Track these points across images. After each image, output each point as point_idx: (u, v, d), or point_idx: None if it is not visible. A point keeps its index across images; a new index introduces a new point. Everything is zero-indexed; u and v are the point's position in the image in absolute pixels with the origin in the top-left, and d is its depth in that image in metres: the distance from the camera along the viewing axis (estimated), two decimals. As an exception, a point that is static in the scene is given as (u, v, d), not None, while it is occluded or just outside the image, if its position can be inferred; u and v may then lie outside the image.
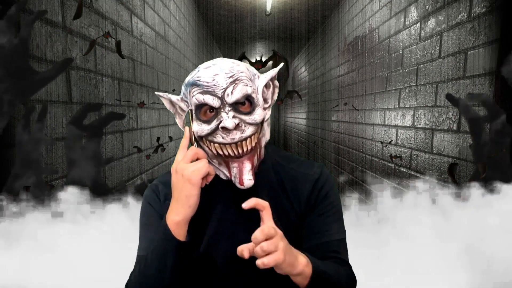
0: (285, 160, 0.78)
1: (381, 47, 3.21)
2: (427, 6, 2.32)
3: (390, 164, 2.95)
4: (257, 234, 0.57)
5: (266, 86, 0.74)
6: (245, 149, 0.67)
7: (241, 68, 0.68)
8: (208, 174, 0.65)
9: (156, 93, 0.77)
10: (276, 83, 0.76)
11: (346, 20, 4.48)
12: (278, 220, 0.70)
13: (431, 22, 2.27)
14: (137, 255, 0.71)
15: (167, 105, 0.74)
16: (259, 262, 0.56)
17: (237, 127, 0.65)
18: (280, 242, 0.57)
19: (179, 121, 0.75)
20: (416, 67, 2.48)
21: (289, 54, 9.24)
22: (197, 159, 0.65)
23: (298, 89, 9.18)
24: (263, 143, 0.72)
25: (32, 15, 1.31)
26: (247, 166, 0.67)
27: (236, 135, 0.65)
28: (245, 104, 0.67)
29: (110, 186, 2.01)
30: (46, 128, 1.47)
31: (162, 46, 3.24)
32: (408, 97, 2.60)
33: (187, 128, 0.68)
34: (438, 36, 2.18)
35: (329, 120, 5.34)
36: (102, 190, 1.82)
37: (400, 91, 2.74)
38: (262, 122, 0.69)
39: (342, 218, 0.76)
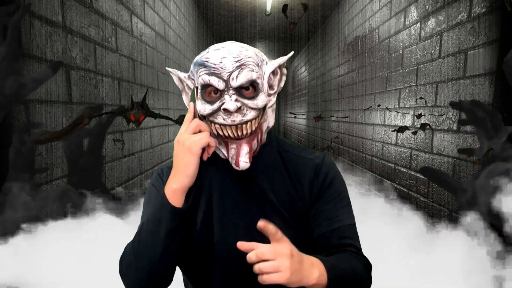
0: (288, 147, 0.80)
1: (381, 47, 3.21)
2: (427, 6, 2.32)
3: (390, 164, 2.95)
4: (251, 255, 0.56)
5: (274, 72, 0.75)
6: (244, 132, 0.68)
7: (250, 53, 0.68)
8: (208, 146, 0.67)
9: (166, 68, 0.79)
10: (284, 70, 0.77)
11: (346, 20, 4.48)
12: (281, 203, 0.71)
13: (431, 22, 2.27)
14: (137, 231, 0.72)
15: (176, 81, 0.76)
16: (259, 279, 0.55)
17: (238, 110, 0.66)
18: (285, 262, 0.55)
19: (185, 98, 0.76)
20: (416, 67, 2.48)
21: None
22: (200, 131, 0.67)
23: (298, 89, 9.18)
24: (264, 128, 0.73)
25: (18, 12, 1.29)
26: (245, 149, 0.69)
27: (237, 118, 0.66)
28: (249, 89, 0.68)
29: (109, 187, 2.01)
30: (46, 128, 1.47)
31: (162, 46, 3.24)
32: (408, 97, 2.60)
33: (191, 103, 0.70)
34: (438, 36, 2.18)
35: (329, 120, 5.34)
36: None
37: (400, 91, 2.74)
38: (264, 108, 0.70)
39: (350, 204, 0.76)
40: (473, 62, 1.84)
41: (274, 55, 9.34)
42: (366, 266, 0.70)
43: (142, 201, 1.93)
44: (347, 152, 4.33)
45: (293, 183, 0.74)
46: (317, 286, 0.60)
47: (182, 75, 0.74)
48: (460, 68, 1.96)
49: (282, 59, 0.74)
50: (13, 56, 1.26)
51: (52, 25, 1.49)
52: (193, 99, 0.70)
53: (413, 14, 2.54)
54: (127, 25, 2.33)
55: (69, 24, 1.61)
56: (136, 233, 0.68)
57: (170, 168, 0.73)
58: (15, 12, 1.26)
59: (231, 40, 0.75)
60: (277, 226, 0.65)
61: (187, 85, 0.75)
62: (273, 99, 0.73)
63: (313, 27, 6.23)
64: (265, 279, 0.56)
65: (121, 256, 0.68)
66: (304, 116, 8.09)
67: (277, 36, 6.97)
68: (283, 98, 13.02)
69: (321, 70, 6.10)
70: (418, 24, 2.46)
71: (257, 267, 0.56)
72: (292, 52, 0.79)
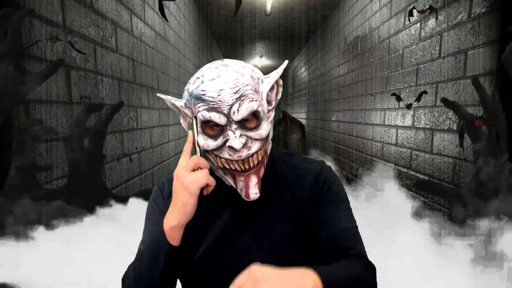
0: (286, 157, 0.79)
1: (381, 47, 3.21)
2: (427, 6, 2.32)
3: (390, 164, 2.95)
4: None
5: (271, 88, 0.73)
6: (251, 165, 0.66)
7: (246, 79, 0.65)
8: (207, 185, 0.65)
9: (158, 94, 0.77)
10: (280, 82, 0.75)
11: (346, 20, 4.48)
12: (288, 223, 0.71)
13: (431, 22, 2.27)
14: (138, 248, 0.72)
15: (170, 105, 0.74)
16: None
17: (243, 145, 0.64)
18: (256, 271, 0.54)
19: (183, 122, 0.75)
20: (416, 67, 2.48)
21: (289, 54, 9.24)
22: (199, 168, 0.65)
23: (298, 89, 9.18)
24: (268, 151, 0.72)
25: (19, 13, 1.29)
26: (253, 180, 0.67)
27: (243, 153, 0.65)
28: (251, 119, 0.66)
29: (109, 187, 2.01)
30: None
31: (162, 46, 3.24)
32: (408, 97, 2.60)
33: (190, 132, 0.68)
34: (438, 36, 2.18)
35: (329, 120, 5.34)
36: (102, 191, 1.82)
37: (400, 91, 2.74)
38: (268, 136, 0.69)
39: (349, 208, 0.75)
40: (473, 62, 1.84)
41: (274, 55, 9.34)
42: (369, 269, 0.68)
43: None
44: (347, 152, 4.33)
45: (294, 195, 0.73)
46: None
47: (178, 103, 0.72)
48: (460, 68, 1.96)
49: (277, 74, 0.72)
50: (15, 54, 1.26)
51: (52, 25, 1.49)
52: (191, 128, 0.68)
53: (413, 14, 2.54)
54: (127, 25, 2.33)
55: (69, 24, 1.61)
56: (137, 257, 0.69)
57: (170, 180, 0.73)
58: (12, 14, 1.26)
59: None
60: (283, 240, 0.68)
61: (184, 111, 0.73)
62: (272, 114, 0.72)
63: (313, 27, 6.22)
64: None
65: (124, 276, 0.70)
66: (304, 116, 8.09)
67: (277, 36, 6.96)
68: (283, 98, 13.02)
69: (321, 70, 6.10)
70: (418, 24, 2.46)
71: None
72: (287, 62, 0.77)
